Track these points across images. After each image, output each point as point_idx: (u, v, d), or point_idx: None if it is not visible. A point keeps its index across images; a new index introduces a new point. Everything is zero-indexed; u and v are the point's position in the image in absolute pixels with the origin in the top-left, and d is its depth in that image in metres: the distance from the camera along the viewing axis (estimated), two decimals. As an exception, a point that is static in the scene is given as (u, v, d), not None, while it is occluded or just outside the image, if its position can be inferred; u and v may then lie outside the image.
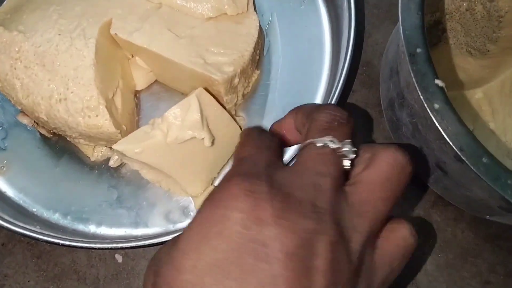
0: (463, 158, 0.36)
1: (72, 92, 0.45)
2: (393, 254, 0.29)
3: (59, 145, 0.52)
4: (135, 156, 0.44)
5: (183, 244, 0.25)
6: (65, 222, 0.50)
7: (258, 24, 0.51)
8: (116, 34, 0.47)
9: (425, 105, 0.36)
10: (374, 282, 0.28)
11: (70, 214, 0.50)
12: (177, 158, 0.45)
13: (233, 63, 0.48)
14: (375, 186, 0.28)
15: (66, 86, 0.45)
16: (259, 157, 0.30)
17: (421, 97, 0.37)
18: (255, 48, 0.50)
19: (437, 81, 0.37)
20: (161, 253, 0.27)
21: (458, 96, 0.52)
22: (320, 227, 0.25)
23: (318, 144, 0.29)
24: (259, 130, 0.35)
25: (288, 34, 0.55)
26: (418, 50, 0.38)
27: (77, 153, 0.52)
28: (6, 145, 0.52)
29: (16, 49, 0.45)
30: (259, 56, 0.53)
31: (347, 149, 0.29)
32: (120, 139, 0.47)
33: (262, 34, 0.53)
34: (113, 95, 0.48)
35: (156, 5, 0.50)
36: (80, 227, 0.50)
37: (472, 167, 0.36)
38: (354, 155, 0.29)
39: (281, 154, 0.33)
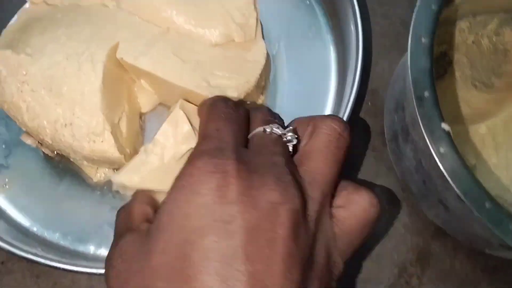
0: (467, 202, 0.36)
1: (78, 117, 0.45)
2: (352, 225, 0.31)
3: (62, 165, 0.52)
4: (136, 185, 0.44)
5: (155, 231, 0.28)
6: (65, 242, 0.50)
7: (265, 52, 0.52)
8: (122, 58, 0.47)
9: (431, 149, 0.37)
10: (332, 251, 0.30)
11: (70, 235, 0.50)
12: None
13: (238, 88, 0.48)
14: (316, 154, 0.32)
15: (72, 111, 0.45)
16: (226, 133, 0.32)
17: (427, 140, 0.37)
18: (261, 75, 0.50)
19: (444, 125, 0.37)
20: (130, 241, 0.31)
21: (462, 131, 0.52)
22: (285, 197, 0.27)
23: (267, 130, 0.33)
24: (224, 100, 0.38)
25: (295, 62, 0.55)
26: (426, 94, 0.38)
27: (79, 173, 0.52)
28: (9, 162, 0.52)
29: (24, 72, 0.45)
30: (265, 82, 0.53)
31: (290, 134, 0.34)
32: (123, 163, 0.47)
33: (269, 61, 0.53)
34: (119, 120, 0.48)
35: (164, 30, 0.50)
36: (80, 248, 0.50)
37: (475, 212, 0.36)
38: (296, 140, 0.33)
39: (247, 125, 0.36)
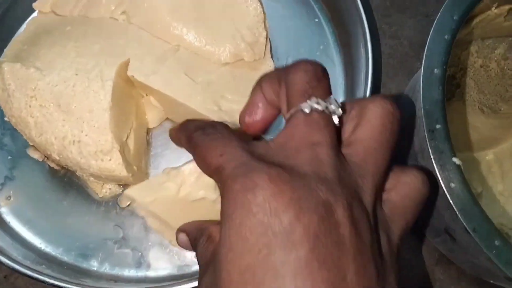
0: (476, 239, 0.36)
1: (86, 135, 0.45)
2: (406, 206, 0.29)
3: (67, 179, 0.52)
4: (145, 204, 0.43)
5: (218, 265, 0.26)
6: (69, 258, 0.50)
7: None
8: (133, 76, 0.47)
9: (442, 184, 0.36)
10: (392, 235, 0.28)
11: (74, 250, 0.50)
12: (185, 214, 0.44)
13: None
14: (371, 143, 0.28)
15: (81, 128, 0.45)
16: (232, 152, 0.28)
17: (438, 174, 0.37)
18: None
19: (455, 160, 0.37)
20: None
21: (469, 157, 0.52)
22: (333, 196, 0.25)
23: (305, 110, 0.27)
24: (194, 126, 0.32)
25: None
26: (438, 126, 0.38)
27: (85, 188, 0.51)
28: (14, 174, 0.52)
29: (32, 86, 0.45)
30: None
31: (334, 107, 0.28)
32: (130, 181, 0.47)
33: None
34: (127, 137, 0.48)
35: (174, 47, 0.50)
36: (84, 264, 0.49)
37: (484, 249, 0.36)
38: (342, 112, 0.28)
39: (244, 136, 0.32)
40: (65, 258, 0.50)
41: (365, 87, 0.48)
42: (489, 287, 0.51)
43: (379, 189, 0.28)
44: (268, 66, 0.52)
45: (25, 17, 0.56)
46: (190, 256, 0.49)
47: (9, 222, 0.51)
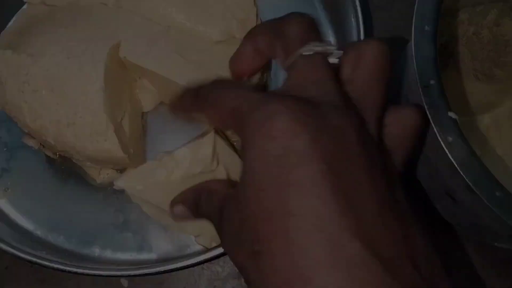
0: (477, 192, 0.36)
1: (80, 117, 0.44)
2: (405, 136, 0.32)
3: (64, 167, 0.52)
4: (136, 193, 0.43)
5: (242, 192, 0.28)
6: (70, 245, 0.50)
7: None
8: (125, 57, 0.47)
9: (439, 138, 0.36)
10: (395, 163, 0.31)
11: (74, 237, 0.50)
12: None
13: None
14: (369, 80, 0.30)
15: (75, 111, 0.44)
16: (248, 93, 0.29)
17: (435, 130, 0.37)
18: (262, 73, 0.50)
19: (451, 114, 0.37)
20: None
21: (466, 122, 0.52)
22: (344, 121, 0.27)
23: (306, 53, 0.30)
24: (191, 90, 0.35)
25: None
26: (432, 82, 0.38)
27: (83, 175, 0.51)
28: (10, 166, 0.52)
29: (24, 72, 0.45)
30: (266, 79, 0.53)
31: (332, 48, 0.31)
32: (127, 163, 0.47)
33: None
34: (121, 119, 0.47)
35: (165, 28, 0.49)
36: (85, 250, 0.49)
37: (485, 201, 0.36)
38: (341, 51, 0.31)
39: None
40: (66, 246, 0.49)
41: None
42: (495, 252, 0.52)
43: (380, 122, 0.30)
44: None
45: (14, 10, 0.56)
46: (191, 237, 0.49)
47: (9, 214, 0.50)
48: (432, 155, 0.42)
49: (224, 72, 0.48)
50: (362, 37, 0.49)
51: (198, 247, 0.48)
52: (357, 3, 0.50)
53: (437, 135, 0.37)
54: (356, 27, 0.50)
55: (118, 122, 0.46)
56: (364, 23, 0.49)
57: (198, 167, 0.44)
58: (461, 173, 0.36)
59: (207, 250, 0.46)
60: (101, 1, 0.51)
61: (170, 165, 0.44)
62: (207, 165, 0.44)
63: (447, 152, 0.36)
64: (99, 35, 0.48)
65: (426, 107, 0.37)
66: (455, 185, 0.41)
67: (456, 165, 0.36)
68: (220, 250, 0.44)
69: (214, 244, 0.46)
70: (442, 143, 0.36)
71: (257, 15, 0.52)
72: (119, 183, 0.44)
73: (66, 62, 0.45)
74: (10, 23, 0.55)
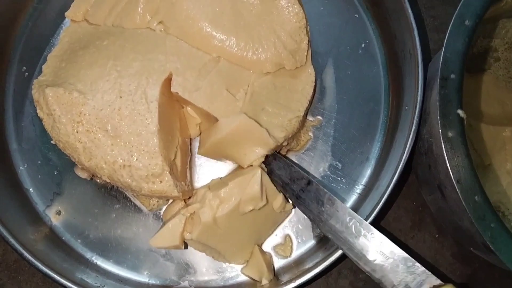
0: (457, 190, 0.37)
1: (136, 159, 0.45)
2: None
3: (114, 191, 0.53)
4: (189, 243, 0.47)
5: None
6: (120, 270, 0.52)
7: (314, 79, 0.51)
8: (177, 93, 0.47)
9: (440, 130, 0.37)
10: None
11: (126, 262, 0.51)
12: (223, 231, 0.46)
13: (286, 128, 0.48)
14: None
15: (130, 152, 0.45)
16: None
17: (439, 121, 0.37)
18: (307, 108, 0.51)
19: (460, 111, 0.37)
20: None
21: (485, 129, 0.51)
22: None
23: None
24: None
25: (343, 82, 0.54)
26: (452, 76, 0.38)
27: (132, 200, 0.52)
28: (62, 190, 0.53)
29: (78, 112, 0.45)
30: (310, 106, 0.53)
31: None
32: (178, 196, 0.48)
33: (315, 87, 0.52)
34: (175, 156, 0.48)
35: (215, 59, 0.49)
36: (134, 276, 0.51)
37: (462, 201, 0.37)
38: None
39: None
40: (115, 270, 0.51)
41: (416, 93, 0.46)
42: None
43: None
44: (308, 73, 0.51)
45: (56, 25, 0.56)
46: (237, 268, 0.51)
47: (62, 237, 0.52)
48: (436, 147, 0.42)
49: (271, 109, 0.48)
50: (420, 63, 0.47)
51: (243, 278, 0.50)
52: (413, 23, 0.48)
53: (439, 127, 0.37)
54: (413, 51, 0.49)
55: (172, 161, 0.47)
56: (421, 48, 0.48)
57: (249, 206, 0.46)
58: (449, 168, 0.37)
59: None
60: (148, 26, 0.50)
61: (215, 204, 0.46)
62: (258, 204, 0.46)
63: (443, 145, 0.37)
64: (149, 68, 0.47)
65: (438, 97, 0.38)
66: (446, 181, 0.41)
67: (446, 160, 0.37)
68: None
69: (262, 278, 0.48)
70: (441, 135, 0.37)
71: (308, 43, 0.51)
72: (156, 244, 0.48)
73: (119, 101, 0.45)
74: (52, 38, 0.56)
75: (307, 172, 0.52)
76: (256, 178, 0.45)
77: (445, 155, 0.37)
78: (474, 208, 0.37)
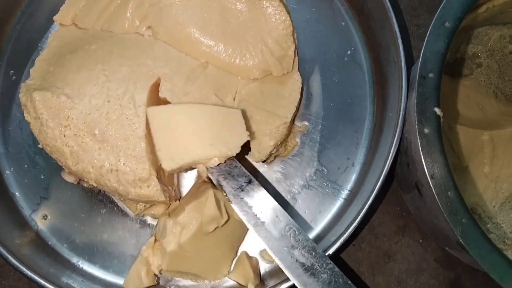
0: (431, 185, 0.37)
1: (123, 164, 0.45)
2: None
3: (101, 196, 0.52)
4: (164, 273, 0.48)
5: None
6: (107, 275, 0.51)
7: (300, 86, 0.51)
8: (165, 98, 0.47)
9: (416, 126, 0.38)
10: None
11: (112, 267, 0.51)
12: (192, 254, 0.47)
13: (274, 136, 0.49)
14: None
15: (117, 156, 0.45)
16: None
17: (416, 117, 0.38)
18: (294, 114, 0.51)
19: (436, 109, 0.38)
20: None
21: (464, 131, 0.52)
22: None
23: None
24: None
25: (330, 88, 0.55)
26: (431, 75, 0.39)
27: (119, 204, 0.52)
28: (48, 194, 0.53)
29: (65, 116, 0.45)
30: (297, 112, 0.53)
31: None
32: (165, 201, 0.48)
33: (302, 92, 0.53)
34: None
35: (203, 64, 0.49)
36: (120, 281, 0.51)
37: (435, 196, 0.38)
38: None
39: None
40: (101, 275, 0.51)
41: (399, 100, 0.47)
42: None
43: None
44: (295, 80, 0.52)
45: (45, 29, 0.56)
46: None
47: (48, 242, 0.52)
48: (413, 145, 0.43)
49: (259, 117, 0.48)
50: (403, 72, 0.48)
51: (231, 283, 0.50)
52: (397, 31, 0.49)
53: (416, 123, 0.38)
54: (396, 59, 0.50)
55: (159, 166, 0.46)
56: (405, 56, 0.48)
57: (211, 226, 0.46)
58: (424, 163, 0.37)
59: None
60: (136, 31, 0.50)
61: (177, 231, 0.46)
62: (220, 222, 0.46)
63: (419, 141, 0.38)
64: (137, 73, 0.47)
65: (416, 95, 0.39)
66: (423, 179, 0.42)
67: (421, 155, 0.38)
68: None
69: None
70: (417, 131, 0.38)
71: (295, 50, 0.52)
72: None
73: (106, 106, 0.45)
74: (40, 42, 0.56)
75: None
76: (210, 201, 0.46)
77: (420, 151, 0.38)
78: (447, 203, 0.38)
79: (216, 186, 0.45)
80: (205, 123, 0.44)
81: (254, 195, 0.45)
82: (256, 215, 0.44)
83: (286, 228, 0.43)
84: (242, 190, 0.45)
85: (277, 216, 0.44)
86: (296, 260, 0.41)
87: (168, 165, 0.43)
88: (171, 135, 0.44)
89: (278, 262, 0.43)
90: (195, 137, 0.44)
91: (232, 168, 0.46)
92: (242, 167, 0.46)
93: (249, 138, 0.45)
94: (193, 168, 0.50)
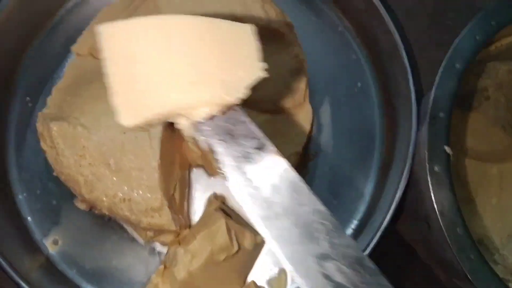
0: (440, 222, 0.38)
1: (136, 194, 0.45)
2: None
3: (111, 222, 0.53)
4: None
5: None
6: None
7: (311, 117, 0.52)
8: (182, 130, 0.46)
9: (427, 164, 0.39)
10: None
11: None
12: (202, 283, 0.47)
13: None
14: None
15: (131, 186, 0.45)
16: None
17: (426, 155, 0.39)
18: (305, 144, 0.51)
19: (446, 148, 0.39)
20: None
21: (473, 165, 0.53)
22: None
23: None
24: None
25: (340, 119, 0.55)
26: (441, 114, 0.40)
27: (129, 231, 0.53)
28: (60, 219, 0.53)
29: (81, 146, 0.46)
30: (308, 142, 0.53)
31: None
32: (176, 230, 0.48)
33: (312, 124, 0.53)
34: (174, 190, 0.48)
35: None
36: None
37: (444, 232, 0.38)
38: None
39: None
40: None
41: (409, 134, 0.47)
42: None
43: None
44: (306, 111, 0.52)
45: (62, 57, 0.57)
46: None
47: (58, 266, 0.52)
48: (423, 181, 0.44)
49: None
50: (413, 103, 0.48)
51: None
52: (407, 66, 0.50)
53: (426, 161, 0.39)
54: (406, 92, 0.50)
55: (171, 195, 0.47)
56: (415, 90, 0.49)
57: (221, 255, 0.46)
58: (433, 200, 0.38)
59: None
60: None
61: (187, 259, 0.46)
62: (230, 251, 0.46)
63: (429, 178, 0.39)
64: None
65: (427, 133, 0.40)
66: (432, 213, 0.42)
67: (431, 192, 0.38)
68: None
69: None
70: (427, 169, 0.39)
71: (307, 83, 0.51)
72: None
73: (122, 137, 0.46)
74: (57, 71, 0.57)
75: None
76: (222, 231, 0.46)
77: (430, 187, 0.39)
78: (456, 240, 0.39)
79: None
80: (189, 47, 0.30)
81: (266, 170, 0.30)
82: (265, 201, 0.29)
83: (314, 224, 0.27)
84: (247, 160, 0.31)
85: (300, 205, 0.28)
86: (329, 279, 0.26)
87: (127, 120, 0.31)
88: (134, 68, 0.31)
89: (298, 281, 0.27)
90: (172, 71, 0.30)
91: (234, 125, 0.31)
92: (251, 122, 0.32)
93: (266, 74, 0.32)
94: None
